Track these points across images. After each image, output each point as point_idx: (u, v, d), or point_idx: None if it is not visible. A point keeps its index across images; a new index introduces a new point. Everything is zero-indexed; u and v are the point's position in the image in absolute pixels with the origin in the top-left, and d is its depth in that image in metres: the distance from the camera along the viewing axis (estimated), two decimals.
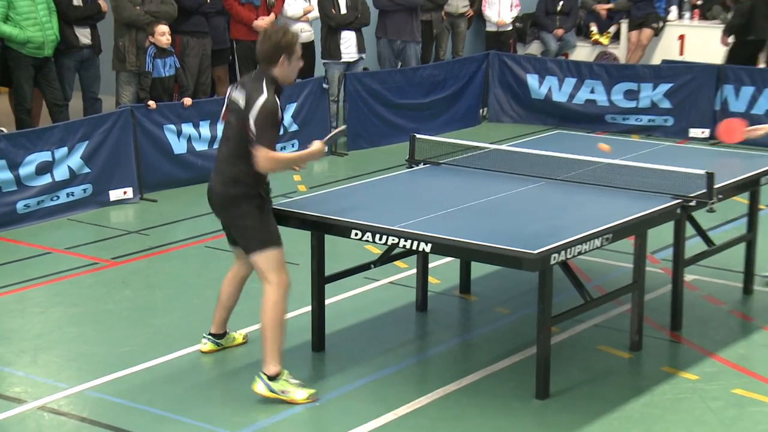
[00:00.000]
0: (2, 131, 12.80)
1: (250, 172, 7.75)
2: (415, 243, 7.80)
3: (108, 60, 14.68)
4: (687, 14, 18.98)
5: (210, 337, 8.64)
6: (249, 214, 7.84)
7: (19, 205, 11.92)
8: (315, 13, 15.71)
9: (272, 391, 7.70)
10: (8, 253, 11.15)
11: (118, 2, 14.11)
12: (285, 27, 8.46)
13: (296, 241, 9.35)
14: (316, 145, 8.06)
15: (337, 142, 15.32)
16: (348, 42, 15.69)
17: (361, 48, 15.86)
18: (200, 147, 13.74)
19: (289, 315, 9.23)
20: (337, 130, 8.93)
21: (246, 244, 7.97)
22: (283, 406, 7.81)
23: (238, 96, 7.81)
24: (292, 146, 14.62)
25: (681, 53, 18.12)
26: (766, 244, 10.71)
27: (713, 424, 7.57)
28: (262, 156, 7.60)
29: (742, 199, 10.22)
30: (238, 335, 8.83)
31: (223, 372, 8.47)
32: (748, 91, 15.65)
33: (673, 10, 18.98)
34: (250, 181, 7.79)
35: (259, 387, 7.74)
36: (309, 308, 8.84)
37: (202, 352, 8.60)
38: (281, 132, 8.70)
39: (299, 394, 7.72)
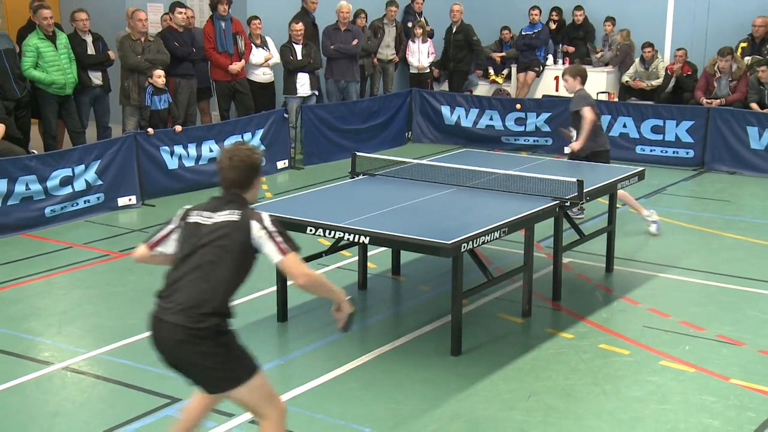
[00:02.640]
0: (33, 153, 12.69)
1: (228, 300, 5.38)
2: (357, 236, 7.83)
3: (116, 97, 14.56)
4: (560, 61, 19.10)
5: None
6: (222, 348, 5.37)
7: (47, 210, 11.84)
8: (274, 59, 15.67)
9: None
10: (38, 248, 11.05)
11: (123, 52, 14.04)
12: (246, 146, 5.64)
13: None
14: (346, 305, 5.58)
15: (294, 163, 15.31)
16: (303, 81, 15.67)
17: (313, 86, 15.84)
18: (188, 164, 13.66)
19: (259, 294, 9.29)
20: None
21: (217, 384, 5.47)
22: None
23: (219, 217, 5.40)
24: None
25: (557, 90, 18.20)
26: (621, 234, 10.97)
27: (584, 372, 7.67)
28: (301, 270, 5.27)
29: (604, 200, 10.33)
30: None
31: None
32: (606, 119, 15.67)
33: (550, 57, 19.11)
34: (228, 311, 5.40)
35: None
36: (275, 288, 8.81)
37: None
38: None
39: None
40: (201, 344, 5.27)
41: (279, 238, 5.31)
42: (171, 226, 5.72)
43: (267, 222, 5.35)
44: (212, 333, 5.28)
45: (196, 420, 5.89)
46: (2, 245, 11.15)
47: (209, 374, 5.39)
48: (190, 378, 5.50)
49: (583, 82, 11.40)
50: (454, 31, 18.33)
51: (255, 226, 5.33)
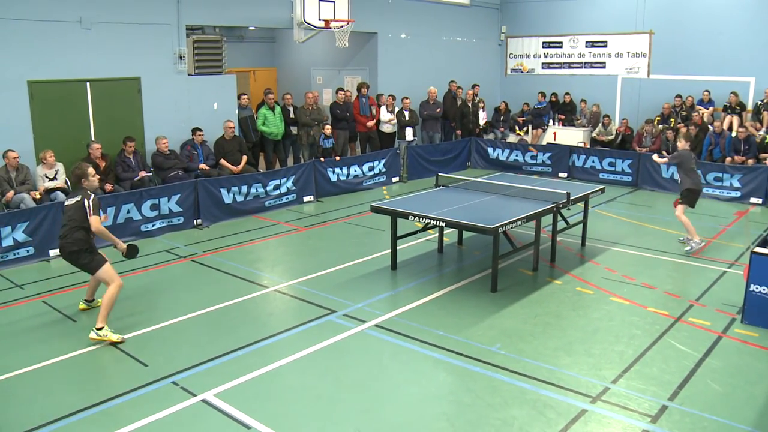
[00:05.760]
0: (260, 171, 12.82)
1: (87, 236, 6.52)
2: (438, 221, 7.74)
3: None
4: (557, 123, 18.57)
5: (84, 301, 7.26)
6: (88, 256, 6.55)
7: (266, 203, 11.89)
8: (394, 120, 15.57)
9: (98, 335, 6.36)
10: (261, 224, 11.13)
11: (299, 115, 13.99)
12: (78, 165, 6.73)
13: (384, 220, 9.31)
14: (121, 246, 6.77)
15: (401, 175, 15.18)
16: (409, 132, 15.54)
17: (414, 134, 15.68)
18: (342, 178, 13.52)
19: (379, 254, 9.22)
20: None
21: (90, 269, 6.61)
22: (377, 292, 7.74)
23: (73, 200, 6.57)
24: (383, 177, 14.50)
25: (555, 140, 17.70)
26: (591, 224, 10.52)
27: (567, 303, 7.49)
28: (95, 222, 6.44)
29: (581, 204, 10.02)
30: (100, 300, 7.20)
31: (354, 277, 8.38)
32: (582, 157, 15.29)
33: (551, 122, 18.59)
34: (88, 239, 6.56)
35: (92, 334, 6.39)
36: (389, 250, 8.74)
37: (81, 309, 7.21)
38: None
39: (115, 336, 6.38)
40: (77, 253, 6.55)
41: (91, 209, 6.43)
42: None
43: (90, 200, 6.47)
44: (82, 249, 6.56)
45: (95, 285, 7.17)
46: (244, 222, 11.27)
47: (85, 266, 6.60)
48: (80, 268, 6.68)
49: (688, 143, 9.54)
50: (471, 104, 17.77)
51: (85, 202, 6.48)
